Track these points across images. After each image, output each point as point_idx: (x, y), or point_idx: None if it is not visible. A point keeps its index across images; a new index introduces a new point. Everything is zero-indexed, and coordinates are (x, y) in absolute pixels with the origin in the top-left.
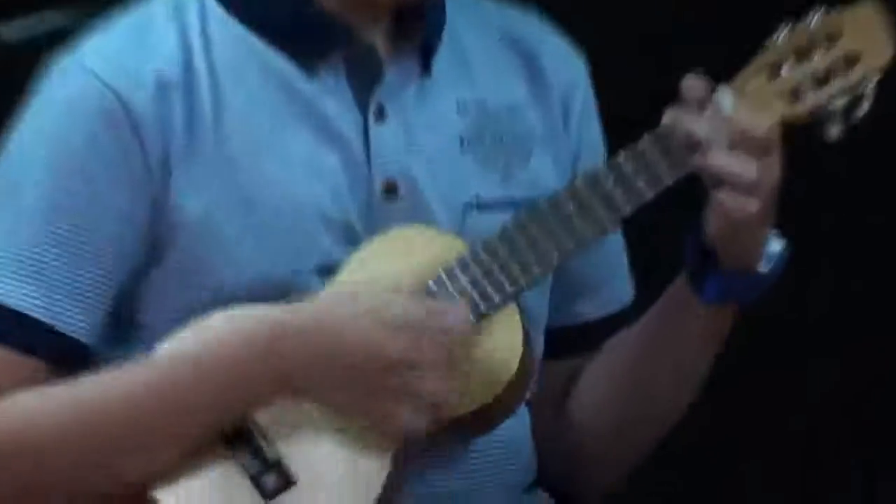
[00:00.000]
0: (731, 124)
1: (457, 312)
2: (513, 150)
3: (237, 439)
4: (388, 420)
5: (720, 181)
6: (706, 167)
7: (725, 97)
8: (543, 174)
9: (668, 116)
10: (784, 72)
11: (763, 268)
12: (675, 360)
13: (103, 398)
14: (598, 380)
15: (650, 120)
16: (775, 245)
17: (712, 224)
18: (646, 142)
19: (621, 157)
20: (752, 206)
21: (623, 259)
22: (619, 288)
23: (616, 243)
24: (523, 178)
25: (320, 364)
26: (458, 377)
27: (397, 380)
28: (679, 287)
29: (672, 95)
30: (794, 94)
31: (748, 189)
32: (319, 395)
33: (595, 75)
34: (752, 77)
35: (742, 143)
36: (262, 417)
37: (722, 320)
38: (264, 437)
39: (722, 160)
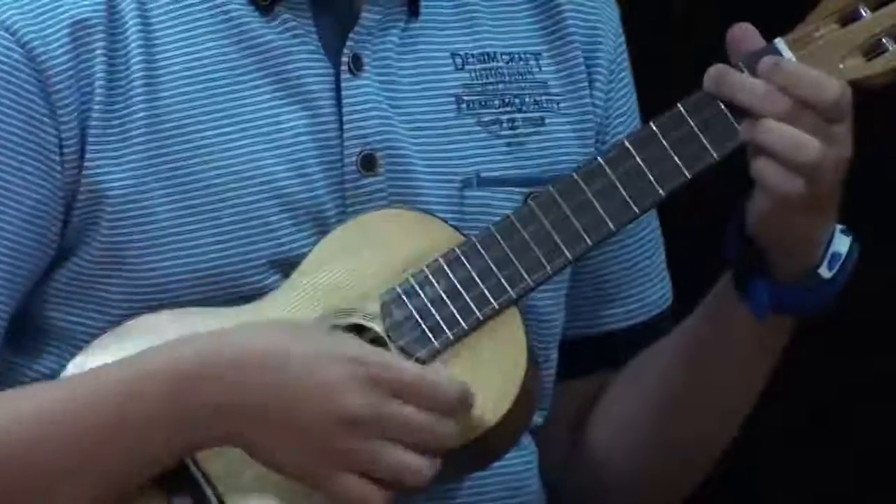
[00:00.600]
0: (787, 84)
1: (455, 382)
2: (523, 114)
3: (179, 488)
4: (343, 494)
5: (770, 154)
6: (754, 140)
7: (782, 50)
8: (560, 144)
9: (709, 78)
10: (860, 18)
11: (825, 271)
12: (719, 379)
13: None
14: (626, 401)
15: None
16: (841, 243)
17: (755, 209)
18: (681, 111)
19: (652, 128)
20: (796, 185)
21: (659, 255)
22: (653, 291)
23: (650, 235)
24: (535, 149)
25: (261, 411)
26: (439, 451)
27: (358, 443)
28: (723, 291)
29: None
30: (872, 48)
31: (798, 165)
32: (261, 450)
33: None
34: (819, 25)
35: (799, 108)
36: (213, 465)
37: (777, 332)
38: (213, 490)
39: (772, 131)
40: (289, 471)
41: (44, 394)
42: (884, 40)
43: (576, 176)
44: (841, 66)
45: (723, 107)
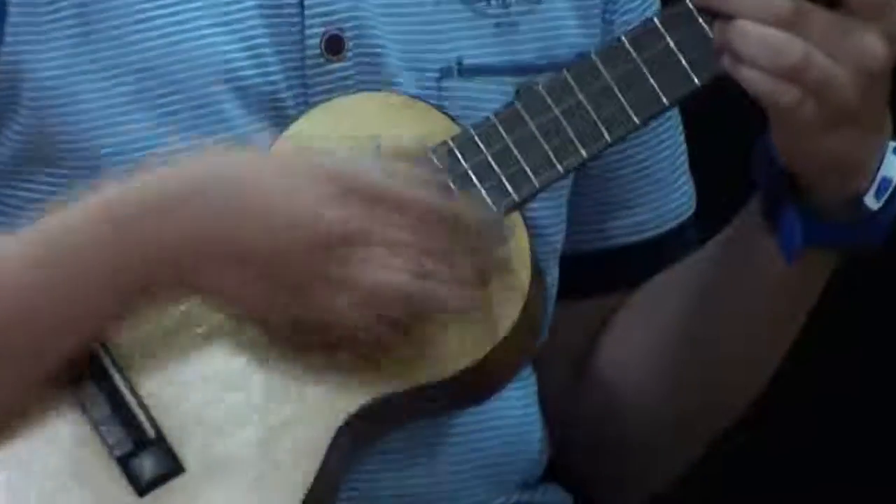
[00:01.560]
0: None
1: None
2: None
3: (92, 385)
4: (327, 329)
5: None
6: (724, 46)
7: None
8: (559, 24)
9: None
10: None
11: (872, 201)
12: (745, 322)
13: None
14: (638, 332)
15: None
16: (894, 165)
17: (784, 134)
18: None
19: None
20: (791, 95)
21: (679, 156)
22: (671, 198)
23: (668, 133)
24: (530, 30)
25: (220, 237)
26: (431, 272)
27: (334, 262)
28: (750, 218)
29: None
30: None
31: (789, 72)
32: (223, 292)
33: None
34: None
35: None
36: (123, 349)
37: (816, 269)
38: (122, 375)
39: (742, 33)
40: (258, 312)
41: None
42: None
43: (594, 57)
44: None
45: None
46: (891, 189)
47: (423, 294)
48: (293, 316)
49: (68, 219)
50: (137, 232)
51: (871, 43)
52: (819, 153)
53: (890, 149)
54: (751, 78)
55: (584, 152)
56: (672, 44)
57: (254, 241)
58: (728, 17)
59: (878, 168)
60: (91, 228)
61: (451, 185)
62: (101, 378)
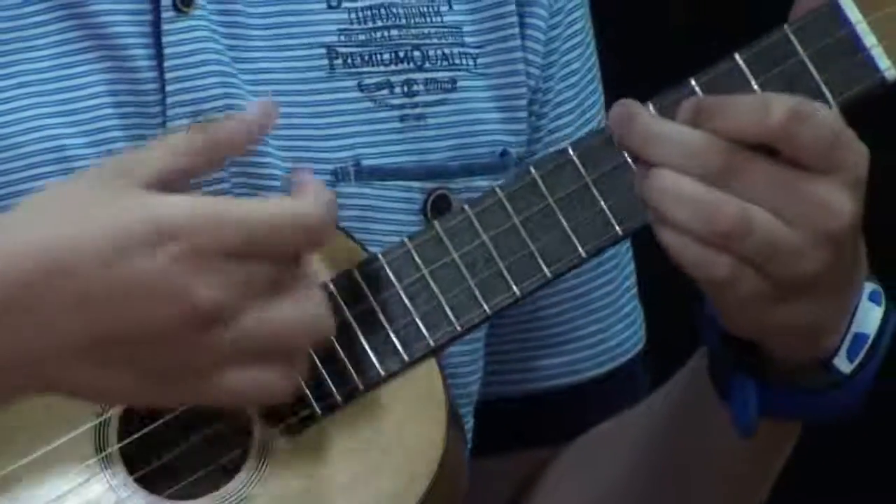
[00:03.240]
0: (707, 117)
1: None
2: (424, 75)
3: None
4: (227, 396)
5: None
6: (646, 202)
7: (847, 9)
8: (477, 118)
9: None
10: None
11: (844, 363)
12: (702, 478)
13: None
14: (574, 494)
15: None
16: (869, 318)
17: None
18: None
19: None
20: (724, 269)
21: (625, 281)
22: (613, 332)
23: (611, 255)
24: (441, 125)
25: (66, 334)
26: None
27: (216, 337)
28: (698, 381)
29: None
30: None
31: (721, 239)
32: (74, 383)
33: None
34: None
35: (718, 149)
36: None
37: (779, 439)
38: None
39: (665, 187)
40: (131, 401)
41: None
42: None
43: (534, 170)
44: None
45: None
46: (866, 347)
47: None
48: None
49: None
50: None
51: (832, 200)
52: (768, 326)
53: (866, 295)
54: (673, 244)
55: (516, 290)
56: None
57: (105, 328)
58: (650, 163)
59: (851, 323)
60: None
61: (353, 323)
62: None
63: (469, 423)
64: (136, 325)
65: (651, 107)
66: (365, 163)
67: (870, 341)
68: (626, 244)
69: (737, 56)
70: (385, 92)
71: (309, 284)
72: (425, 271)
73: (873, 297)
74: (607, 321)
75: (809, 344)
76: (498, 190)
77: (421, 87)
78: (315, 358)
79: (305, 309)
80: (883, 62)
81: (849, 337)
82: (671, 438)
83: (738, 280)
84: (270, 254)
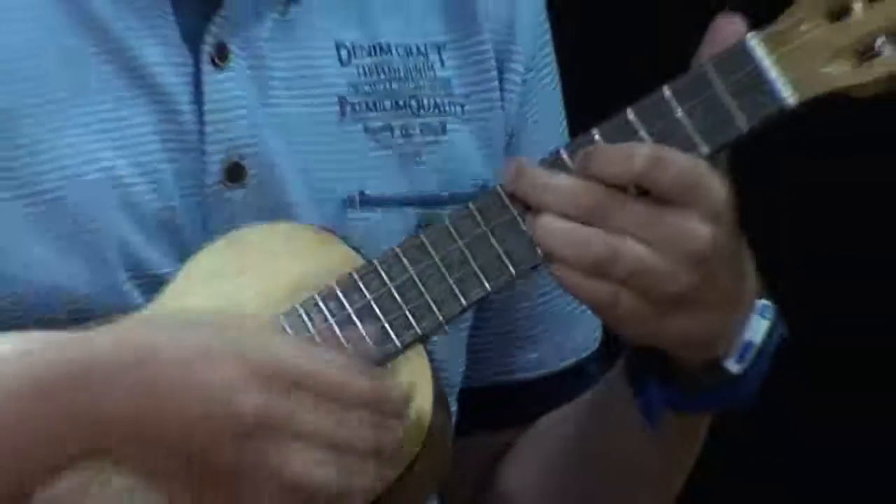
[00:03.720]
0: (591, 167)
1: (355, 363)
2: (419, 120)
3: None
4: None
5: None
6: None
7: (754, 49)
8: (463, 156)
9: (507, 174)
10: (851, 14)
11: (734, 365)
12: (624, 462)
13: None
14: (530, 466)
15: None
16: (757, 328)
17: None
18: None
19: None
20: (599, 292)
21: None
22: (573, 334)
23: None
24: (433, 162)
25: (136, 421)
26: (353, 460)
27: (252, 454)
28: (616, 379)
29: None
30: (865, 50)
31: (593, 268)
32: (135, 468)
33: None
34: (803, 19)
35: (593, 192)
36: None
37: (685, 431)
38: None
39: (546, 227)
40: (176, 495)
41: None
42: (879, 42)
43: (471, 205)
44: (823, 69)
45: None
46: (753, 352)
47: (342, 487)
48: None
49: None
50: (54, 406)
51: (691, 227)
52: (660, 336)
53: (756, 311)
54: (561, 275)
55: (488, 286)
56: (487, 230)
57: (168, 427)
58: (537, 207)
59: (742, 329)
60: (13, 402)
61: (354, 318)
62: None
63: (454, 407)
64: (194, 429)
65: (563, 151)
66: (368, 192)
67: (757, 348)
68: None
69: (664, 88)
70: (386, 134)
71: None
72: (412, 272)
73: (763, 312)
74: (569, 324)
75: (701, 350)
76: (470, 204)
77: (416, 131)
78: None
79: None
80: (785, 91)
81: (740, 344)
82: (596, 429)
83: (618, 302)
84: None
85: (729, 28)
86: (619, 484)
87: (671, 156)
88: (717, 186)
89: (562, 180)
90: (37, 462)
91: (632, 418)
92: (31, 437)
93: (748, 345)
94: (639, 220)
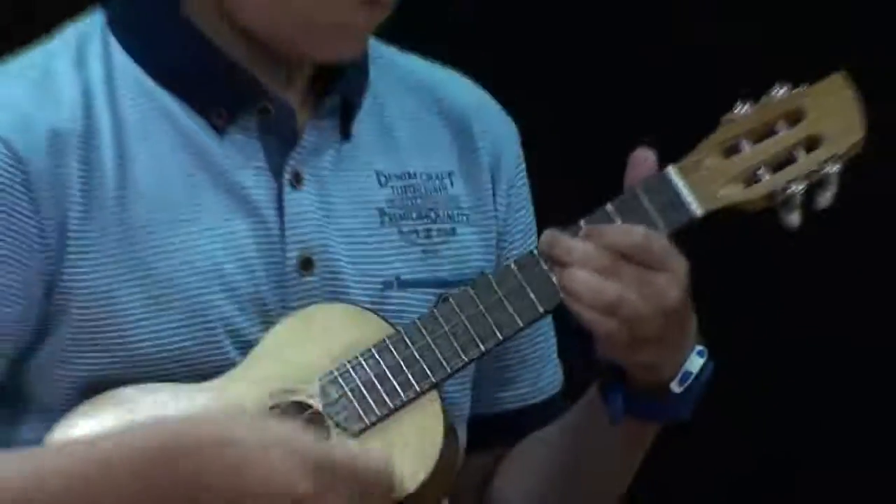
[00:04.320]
0: (601, 240)
1: (379, 460)
2: (437, 225)
3: None
4: None
5: (578, 303)
6: (562, 288)
7: (672, 176)
8: (469, 251)
9: (542, 243)
10: (741, 152)
11: (676, 387)
12: (591, 467)
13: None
14: (518, 475)
15: None
16: (694, 363)
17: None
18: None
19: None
20: (609, 325)
21: (551, 344)
22: (545, 376)
23: (543, 328)
24: (447, 255)
25: (227, 490)
26: None
27: None
28: (592, 394)
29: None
30: (750, 177)
31: (606, 309)
32: None
33: None
34: (706, 154)
35: (615, 260)
36: None
37: (638, 434)
38: None
39: (573, 278)
40: None
41: (19, 464)
42: (760, 171)
43: (491, 277)
44: (721, 191)
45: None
46: (690, 379)
47: None
48: None
49: (105, 457)
50: (162, 472)
51: (666, 287)
52: (632, 360)
53: (695, 351)
54: (580, 311)
55: (482, 347)
56: (522, 279)
57: (242, 493)
58: (565, 265)
59: (684, 362)
60: (118, 475)
61: (388, 372)
62: None
63: (462, 433)
64: (262, 493)
65: (582, 224)
66: (402, 278)
67: (694, 376)
68: (549, 320)
69: (608, 204)
70: (413, 236)
71: None
72: (428, 338)
73: (699, 352)
74: (542, 368)
75: (656, 374)
76: (511, 263)
77: (434, 233)
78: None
79: None
80: (694, 206)
81: (681, 372)
82: (573, 433)
83: (614, 334)
84: (348, 478)
85: (646, 159)
86: (588, 482)
87: (657, 235)
88: (683, 261)
89: (585, 246)
90: None
91: (599, 427)
92: (148, 490)
93: (687, 374)
94: (635, 278)
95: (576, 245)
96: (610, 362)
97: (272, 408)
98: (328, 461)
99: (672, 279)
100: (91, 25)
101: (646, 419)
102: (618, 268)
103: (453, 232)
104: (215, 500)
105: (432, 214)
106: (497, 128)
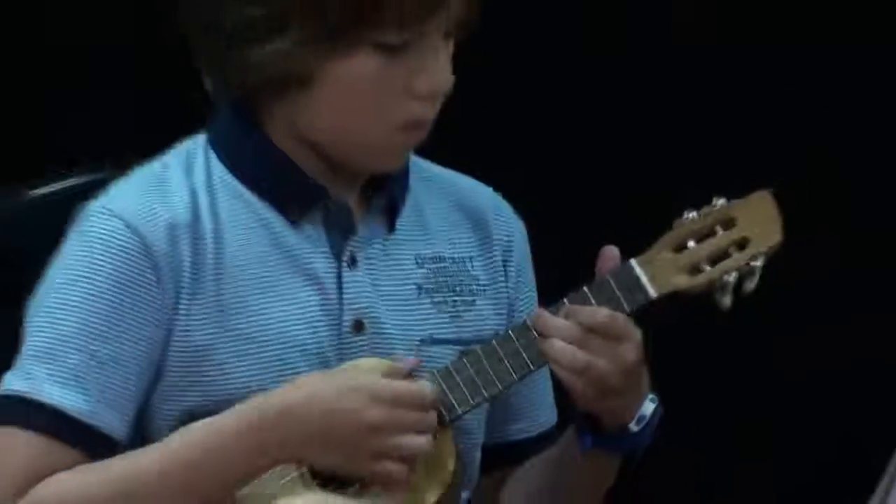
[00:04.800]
0: (577, 317)
1: (421, 386)
2: (461, 297)
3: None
4: (380, 472)
5: (556, 365)
6: (544, 354)
7: (635, 267)
8: (485, 317)
9: (530, 318)
10: (688, 248)
11: (634, 427)
12: (570, 489)
13: (132, 469)
14: (518, 492)
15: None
16: (647, 408)
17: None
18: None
19: (493, 341)
20: (579, 384)
21: (548, 387)
22: (542, 414)
23: (542, 374)
24: (469, 320)
25: (315, 432)
26: (426, 432)
27: (377, 441)
28: (569, 432)
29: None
30: (694, 268)
31: (577, 371)
32: (316, 458)
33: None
34: (661, 251)
35: (585, 333)
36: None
37: (604, 466)
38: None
39: (552, 345)
40: (338, 469)
41: (148, 454)
42: (702, 264)
43: (494, 342)
44: (672, 279)
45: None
46: (645, 421)
47: (411, 448)
48: (351, 467)
49: (219, 429)
50: (265, 434)
51: (625, 353)
52: (599, 408)
53: (647, 398)
54: (558, 371)
55: (485, 394)
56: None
57: (325, 433)
58: (548, 336)
59: (639, 408)
60: (234, 435)
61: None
62: None
63: (476, 458)
64: (340, 430)
65: (558, 307)
66: (435, 337)
67: (647, 419)
68: (546, 371)
69: (584, 287)
70: (443, 305)
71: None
72: (443, 387)
73: (652, 399)
74: (540, 409)
75: (618, 418)
76: (510, 329)
77: (459, 304)
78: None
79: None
80: (651, 290)
81: (637, 415)
82: (555, 462)
83: (584, 390)
84: (407, 405)
85: (612, 254)
86: (569, 499)
87: (619, 315)
88: (638, 331)
89: (563, 323)
90: (257, 466)
91: (575, 458)
92: (260, 450)
93: (642, 416)
94: (601, 347)
95: (556, 321)
96: (582, 409)
97: None
98: (386, 392)
99: (630, 346)
100: (196, 143)
101: (611, 451)
102: (588, 339)
103: (473, 303)
104: (314, 446)
105: (457, 289)
106: (508, 224)
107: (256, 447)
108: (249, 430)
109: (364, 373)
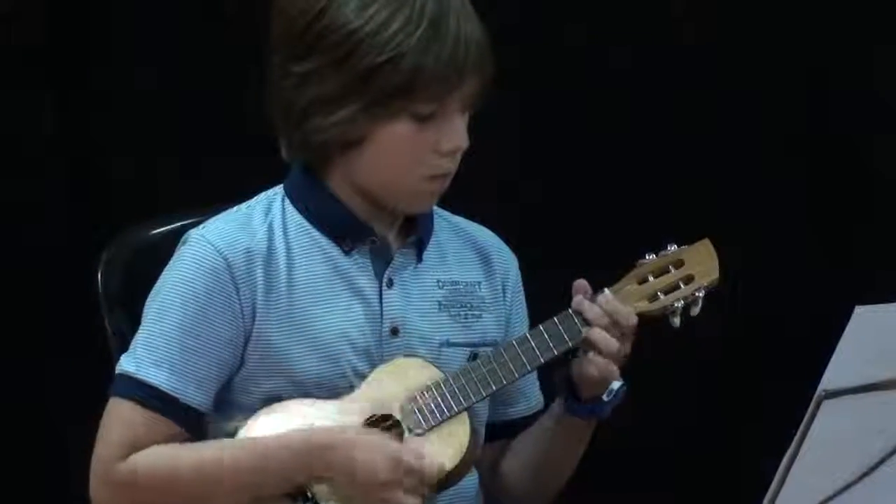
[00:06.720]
0: (611, 311)
1: (423, 456)
2: (471, 312)
3: (299, 497)
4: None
5: (596, 349)
6: (587, 338)
7: (608, 294)
8: (489, 328)
9: (574, 303)
10: (648, 281)
11: (605, 397)
12: (553, 452)
13: (218, 458)
14: (515, 457)
15: None
16: (616, 384)
17: (585, 373)
18: (553, 319)
19: (539, 328)
20: (612, 367)
21: (535, 379)
22: (532, 398)
23: (532, 373)
24: (477, 329)
25: (345, 470)
26: (422, 493)
27: (385, 492)
28: (555, 405)
29: None
30: (653, 297)
31: (613, 357)
32: (343, 487)
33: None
34: (627, 283)
35: (615, 326)
36: (317, 489)
37: (584, 427)
38: (313, 499)
39: (596, 333)
40: (356, 500)
41: (224, 449)
42: (658, 293)
43: (500, 347)
44: (635, 303)
45: (576, 319)
46: (613, 393)
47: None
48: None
49: (276, 446)
50: (308, 460)
51: (629, 345)
52: (592, 382)
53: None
54: (595, 351)
55: (493, 387)
56: (547, 335)
57: (350, 475)
58: (588, 323)
59: (609, 384)
60: (286, 455)
61: (439, 400)
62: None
63: (481, 433)
64: (361, 477)
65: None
66: (451, 341)
67: (614, 391)
68: (535, 374)
69: (569, 310)
70: (458, 317)
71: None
72: (463, 380)
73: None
74: (531, 395)
75: (598, 390)
76: (489, 352)
77: (470, 316)
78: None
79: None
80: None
81: (609, 388)
82: (542, 428)
83: (613, 368)
84: (414, 474)
85: (585, 287)
86: (551, 459)
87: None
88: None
89: (598, 312)
90: (289, 481)
91: (556, 425)
92: (294, 470)
93: (611, 390)
94: (623, 336)
95: (595, 309)
96: (567, 386)
97: (371, 416)
98: (398, 458)
99: (629, 342)
100: (276, 192)
101: (584, 416)
102: (613, 329)
103: (480, 316)
104: (341, 478)
105: (468, 305)
106: (506, 260)
107: (304, 466)
108: (300, 452)
109: (384, 440)
